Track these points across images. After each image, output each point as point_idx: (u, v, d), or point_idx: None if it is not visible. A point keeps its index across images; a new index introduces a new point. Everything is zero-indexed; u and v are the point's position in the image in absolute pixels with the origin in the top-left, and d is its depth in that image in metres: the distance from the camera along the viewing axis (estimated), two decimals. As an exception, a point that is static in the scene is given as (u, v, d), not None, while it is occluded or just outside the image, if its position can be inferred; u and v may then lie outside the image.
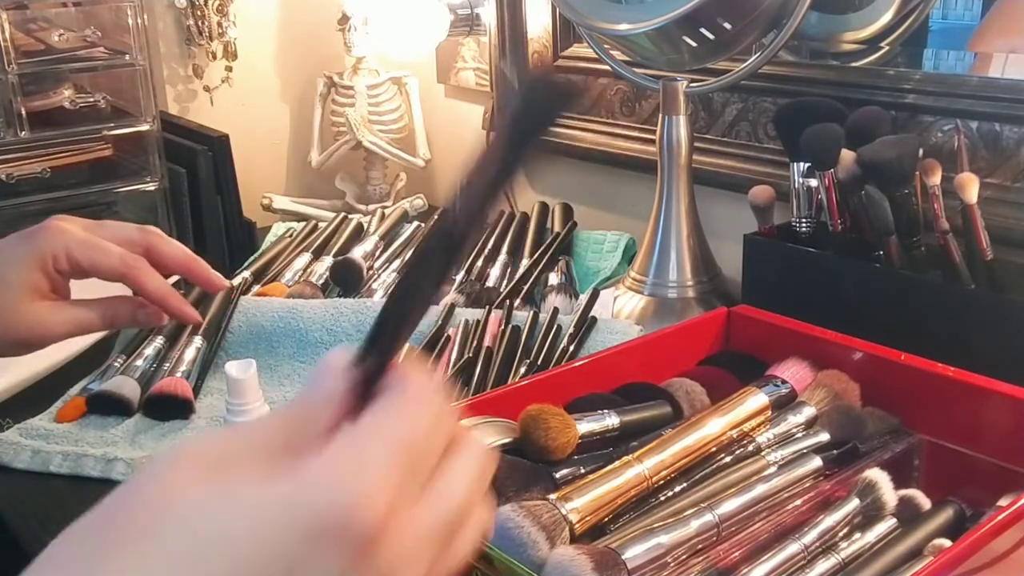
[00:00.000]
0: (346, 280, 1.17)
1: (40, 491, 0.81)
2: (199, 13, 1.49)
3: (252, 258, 1.27)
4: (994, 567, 0.57)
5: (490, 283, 1.16)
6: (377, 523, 0.31)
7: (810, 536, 0.60)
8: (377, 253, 1.26)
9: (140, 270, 0.69)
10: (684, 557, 0.58)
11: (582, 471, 0.65)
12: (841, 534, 0.62)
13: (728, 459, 0.67)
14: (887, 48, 1.04)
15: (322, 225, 1.34)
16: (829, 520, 0.61)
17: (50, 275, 0.68)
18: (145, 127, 1.26)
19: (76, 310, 0.70)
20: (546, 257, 1.19)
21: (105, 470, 0.83)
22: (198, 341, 0.98)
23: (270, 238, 1.37)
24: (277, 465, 0.32)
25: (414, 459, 0.33)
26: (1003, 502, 0.64)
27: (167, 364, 0.96)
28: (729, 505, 0.61)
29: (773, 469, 0.66)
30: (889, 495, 0.64)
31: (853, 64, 1.08)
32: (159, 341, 0.99)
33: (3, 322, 0.67)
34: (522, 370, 0.92)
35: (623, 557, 0.55)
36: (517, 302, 1.08)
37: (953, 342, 0.79)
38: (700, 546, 0.59)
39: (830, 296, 0.90)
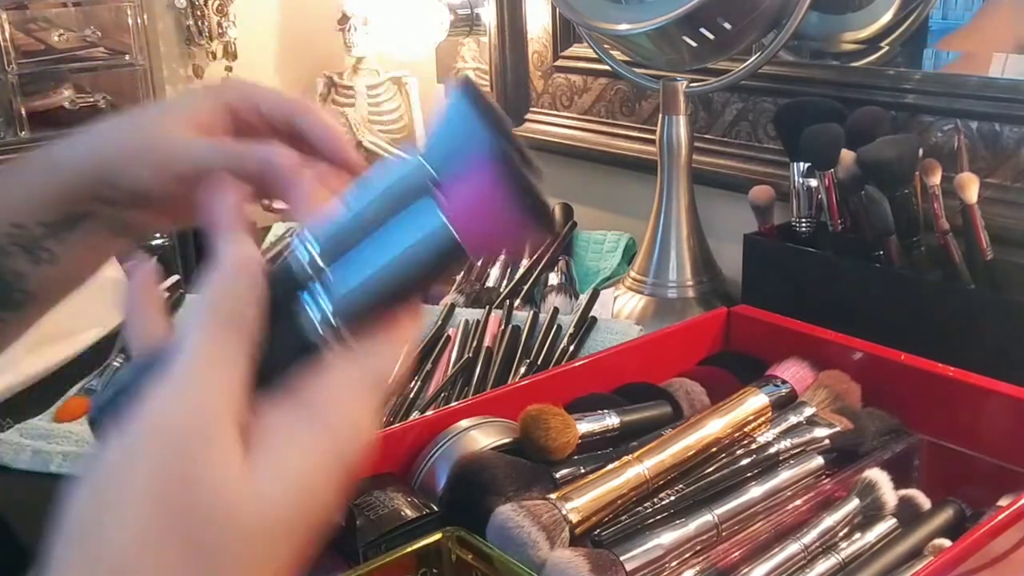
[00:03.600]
0: (346, 280, 1.17)
1: (40, 491, 0.81)
2: (199, 13, 1.49)
3: (252, 258, 1.27)
4: (994, 567, 0.57)
5: (490, 283, 1.16)
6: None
7: (810, 536, 0.60)
8: (377, 253, 1.26)
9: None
10: (684, 557, 0.58)
11: (582, 471, 0.65)
12: (841, 534, 0.62)
13: (728, 459, 0.66)
14: (887, 48, 1.04)
15: (322, 225, 1.34)
16: (829, 520, 0.62)
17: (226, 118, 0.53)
18: (145, 127, 1.26)
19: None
20: (546, 257, 1.19)
21: (105, 470, 0.82)
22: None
23: (270, 238, 1.36)
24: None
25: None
26: (1003, 502, 0.64)
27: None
28: (729, 505, 0.61)
29: (773, 469, 0.66)
30: (889, 495, 0.64)
31: (853, 64, 1.08)
32: (159, 341, 0.99)
33: (141, 135, 0.53)
34: (522, 370, 0.92)
35: (622, 558, 0.55)
36: (517, 302, 1.08)
37: (953, 342, 0.79)
38: (700, 546, 0.59)
39: (830, 296, 0.90)
